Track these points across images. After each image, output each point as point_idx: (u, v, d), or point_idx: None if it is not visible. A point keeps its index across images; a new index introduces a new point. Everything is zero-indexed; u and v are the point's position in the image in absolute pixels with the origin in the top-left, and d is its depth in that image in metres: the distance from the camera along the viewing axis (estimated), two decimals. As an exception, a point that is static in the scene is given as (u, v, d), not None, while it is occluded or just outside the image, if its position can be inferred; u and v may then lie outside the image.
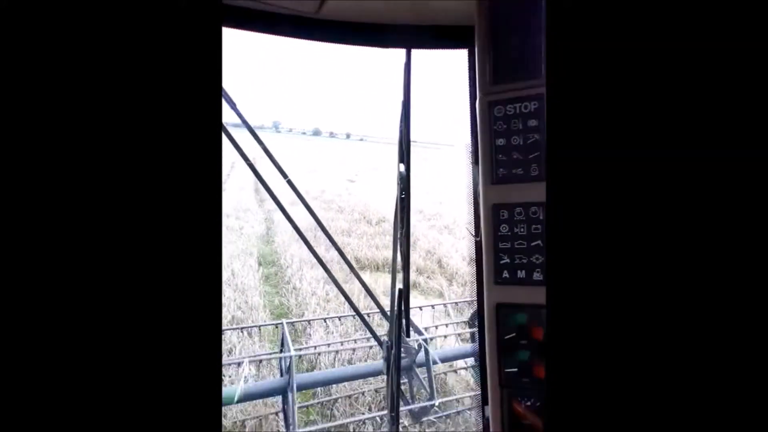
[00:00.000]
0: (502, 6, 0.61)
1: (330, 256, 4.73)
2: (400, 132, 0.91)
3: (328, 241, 1.50)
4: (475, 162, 0.77)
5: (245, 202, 10.85)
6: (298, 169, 20.68)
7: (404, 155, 0.92)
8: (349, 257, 1.74)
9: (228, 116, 0.92)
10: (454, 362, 4.02)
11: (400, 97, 0.89)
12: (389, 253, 1.20)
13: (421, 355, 3.23)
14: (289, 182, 1.41)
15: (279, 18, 0.82)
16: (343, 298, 1.70)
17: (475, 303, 0.89)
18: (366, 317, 1.70)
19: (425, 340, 3.30)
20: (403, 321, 0.93)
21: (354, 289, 4.27)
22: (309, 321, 4.81)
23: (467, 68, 0.87)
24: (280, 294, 5.90)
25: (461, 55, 0.90)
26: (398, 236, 0.97)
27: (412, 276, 6.62)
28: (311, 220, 1.47)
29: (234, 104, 1.11)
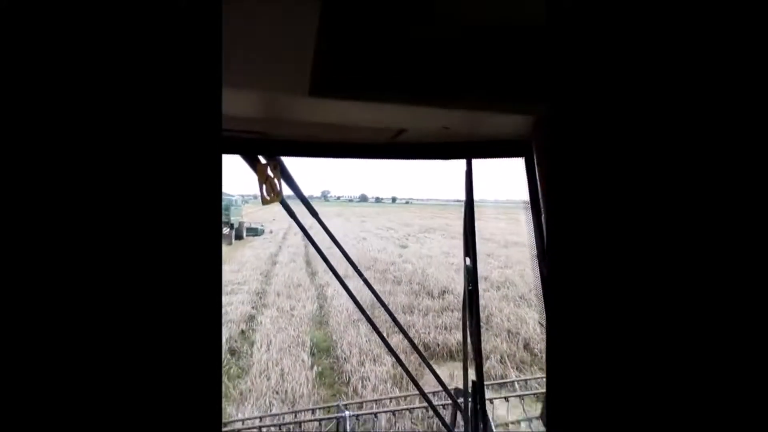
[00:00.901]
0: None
1: (393, 341, 3.76)
2: (465, 229, 1.10)
3: (390, 319, 1.39)
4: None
5: (297, 276, 10.24)
6: (348, 238, 20.34)
7: (470, 249, 1.09)
8: (416, 341, 1.70)
9: (285, 189, 1.01)
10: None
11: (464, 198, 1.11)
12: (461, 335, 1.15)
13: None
14: (345, 254, 1.28)
15: (359, 147, 0.99)
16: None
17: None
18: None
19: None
20: (480, 421, 0.98)
21: (428, 380, 3.25)
22: None
23: (526, 170, 0.92)
24: (337, 396, 4.82)
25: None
26: (468, 326, 1.04)
27: (497, 367, 5.53)
28: (367, 293, 1.32)
29: (290, 177, 1.05)
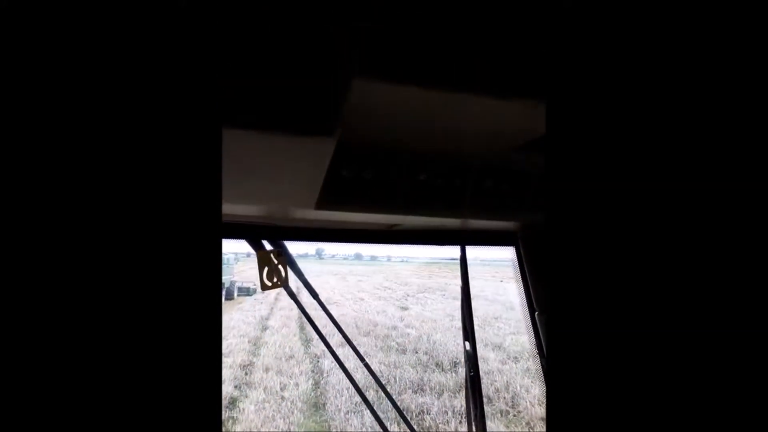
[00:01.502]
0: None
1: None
2: (462, 314, 1.15)
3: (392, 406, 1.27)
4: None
5: (289, 345, 9.09)
6: (345, 298, 19.19)
7: (469, 334, 1.12)
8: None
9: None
10: None
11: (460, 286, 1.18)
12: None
13: None
14: (348, 341, 1.30)
15: (359, 233, 1.05)
16: None
17: None
18: None
19: None
20: None
21: None
22: None
23: (516, 261, 1.12)
24: None
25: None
26: (473, 416, 1.02)
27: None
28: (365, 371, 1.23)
29: (294, 262, 1.09)
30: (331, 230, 0.99)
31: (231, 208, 0.80)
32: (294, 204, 0.72)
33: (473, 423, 1.01)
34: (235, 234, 0.93)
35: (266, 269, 0.95)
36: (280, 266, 0.96)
